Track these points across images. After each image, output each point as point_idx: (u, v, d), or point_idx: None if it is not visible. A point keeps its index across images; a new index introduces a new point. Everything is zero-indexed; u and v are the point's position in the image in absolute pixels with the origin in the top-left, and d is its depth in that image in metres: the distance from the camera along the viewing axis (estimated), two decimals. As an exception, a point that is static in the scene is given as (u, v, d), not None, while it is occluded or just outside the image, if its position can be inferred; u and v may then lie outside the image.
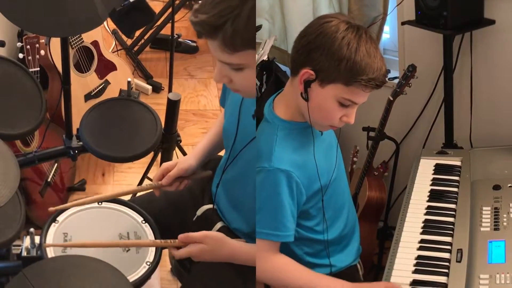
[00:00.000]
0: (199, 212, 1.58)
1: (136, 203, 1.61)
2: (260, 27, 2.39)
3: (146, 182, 2.25)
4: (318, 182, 1.34)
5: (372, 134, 2.17)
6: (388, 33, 2.36)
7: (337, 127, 1.31)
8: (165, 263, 2.10)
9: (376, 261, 2.27)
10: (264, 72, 2.37)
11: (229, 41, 1.10)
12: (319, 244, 1.44)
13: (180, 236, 1.36)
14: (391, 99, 2.05)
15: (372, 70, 1.20)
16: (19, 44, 2.19)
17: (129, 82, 1.99)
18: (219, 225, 1.54)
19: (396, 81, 2.10)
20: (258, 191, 1.31)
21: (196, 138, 2.83)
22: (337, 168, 1.43)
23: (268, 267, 1.33)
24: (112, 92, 2.52)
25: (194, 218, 1.58)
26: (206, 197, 1.62)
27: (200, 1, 1.16)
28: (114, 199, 1.61)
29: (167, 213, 1.64)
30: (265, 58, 2.24)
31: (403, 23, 2.05)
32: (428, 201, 1.63)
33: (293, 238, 1.35)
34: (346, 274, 1.47)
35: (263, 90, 2.37)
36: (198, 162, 1.56)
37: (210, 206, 1.57)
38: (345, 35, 1.20)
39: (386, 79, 1.25)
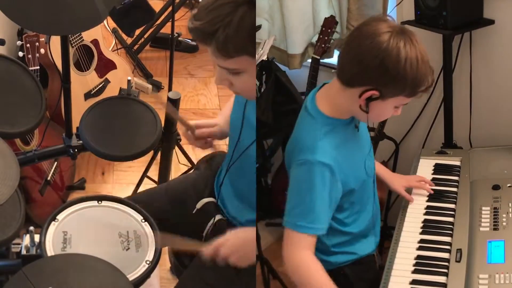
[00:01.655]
0: (199, 205, 1.61)
1: (137, 198, 1.62)
2: (259, 27, 2.39)
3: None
4: (353, 181, 1.38)
5: (371, 134, 2.17)
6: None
7: None
8: (165, 262, 2.10)
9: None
10: (264, 72, 2.37)
11: (221, 47, 1.18)
12: (346, 236, 1.47)
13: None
14: (391, 99, 2.05)
15: (428, 77, 1.28)
16: (19, 43, 2.19)
17: (129, 81, 1.99)
18: (217, 217, 1.56)
19: (396, 81, 2.10)
20: (296, 182, 1.33)
21: (196, 137, 2.83)
22: (371, 159, 1.48)
23: (292, 259, 1.33)
24: (112, 91, 2.52)
25: (194, 211, 1.60)
26: (207, 190, 1.65)
27: (200, 1, 1.19)
28: (114, 198, 1.61)
29: (169, 207, 1.66)
30: (264, 58, 2.24)
31: (402, 23, 2.05)
32: (427, 201, 1.63)
33: (326, 231, 1.36)
34: (365, 261, 1.50)
35: (262, 90, 2.37)
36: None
37: (210, 199, 1.61)
38: (406, 55, 1.24)
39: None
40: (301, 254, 1.33)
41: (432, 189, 1.67)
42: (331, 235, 1.44)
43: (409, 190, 1.67)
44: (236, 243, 1.39)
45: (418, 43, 1.27)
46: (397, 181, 1.65)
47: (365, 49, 1.25)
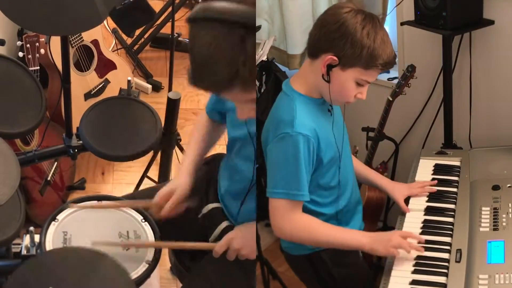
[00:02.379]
0: (205, 210, 1.59)
1: (141, 193, 1.62)
2: (259, 27, 2.39)
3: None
4: (328, 153, 1.42)
5: (371, 134, 2.17)
6: (388, 33, 2.35)
7: (351, 103, 1.43)
8: (165, 262, 2.10)
9: (375, 261, 2.28)
10: (264, 73, 2.38)
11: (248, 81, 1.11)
12: (322, 217, 1.48)
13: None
14: (391, 99, 2.05)
15: (386, 55, 1.36)
16: (19, 43, 2.19)
17: (129, 81, 2.00)
18: (224, 224, 1.56)
19: (396, 81, 2.11)
20: (279, 155, 1.38)
21: (196, 137, 2.83)
22: (345, 147, 1.51)
23: (292, 225, 1.40)
24: (112, 91, 2.52)
25: (199, 215, 1.59)
26: (211, 194, 1.63)
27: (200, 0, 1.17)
28: (114, 198, 1.62)
29: None
30: (264, 58, 2.24)
31: (402, 24, 2.05)
32: (427, 201, 1.63)
33: (309, 197, 1.41)
34: (346, 251, 1.50)
35: (262, 90, 2.37)
36: (193, 176, 1.55)
37: (217, 205, 1.60)
38: (364, 25, 1.33)
39: (396, 60, 1.40)
40: (297, 217, 1.40)
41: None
42: None
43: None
44: (246, 237, 1.44)
45: (380, 26, 1.36)
46: (397, 190, 1.65)
47: (328, 17, 1.38)
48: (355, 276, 1.58)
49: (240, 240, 1.44)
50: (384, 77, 2.32)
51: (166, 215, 1.48)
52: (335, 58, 1.34)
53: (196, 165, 1.58)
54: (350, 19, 1.33)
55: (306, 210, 1.46)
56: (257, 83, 2.36)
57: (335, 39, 1.33)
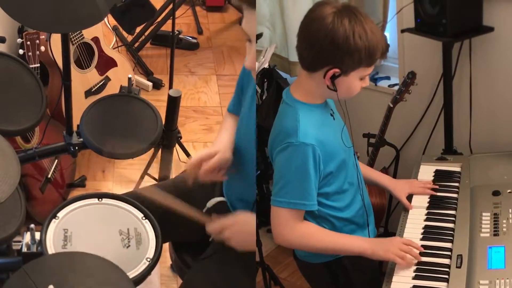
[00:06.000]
0: (210, 204, 1.61)
1: (144, 189, 1.63)
2: (261, 35, 2.40)
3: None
4: (335, 161, 1.42)
5: (372, 140, 2.17)
6: (388, 40, 2.36)
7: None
8: (165, 260, 2.10)
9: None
10: (265, 80, 2.38)
11: None
12: (338, 221, 1.49)
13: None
14: (391, 105, 2.05)
15: (381, 45, 1.36)
16: (19, 40, 2.18)
17: (129, 79, 1.99)
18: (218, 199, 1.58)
19: (396, 88, 2.11)
20: (282, 165, 1.39)
21: (197, 134, 2.83)
22: (352, 150, 1.51)
23: (295, 234, 1.41)
24: (112, 89, 2.52)
25: (204, 210, 1.60)
26: (217, 189, 1.65)
27: None
28: (114, 196, 1.61)
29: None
30: (266, 66, 2.25)
31: (402, 31, 2.06)
32: (428, 207, 1.63)
33: (317, 207, 1.42)
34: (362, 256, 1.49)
35: (264, 97, 2.38)
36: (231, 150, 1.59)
37: (221, 199, 1.62)
38: (353, 29, 1.31)
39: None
40: (299, 226, 1.41)
41: (433, 196, 1.67)
42: (322, 222, 1.47)
43: (409, 196, 1.67)
44: (241, 230, 1.44)
45: (364, 17, 1.33)
46: (399, 188, 1.66)
47: (314, 33, 1.33)
48: (371, 283, 1.56)
49: (234, 231, 1.44)
50: (385, 83, 2.33)
51: (202, 179, 1.50)
52: (336, 70, 1.34)
53: (233, 142, 1.60)
54: (338, 29, 1.30)
55: (327, 217, 1.46)
56: (259, 90, 2.36)
57: (330, 54, 1.32)
